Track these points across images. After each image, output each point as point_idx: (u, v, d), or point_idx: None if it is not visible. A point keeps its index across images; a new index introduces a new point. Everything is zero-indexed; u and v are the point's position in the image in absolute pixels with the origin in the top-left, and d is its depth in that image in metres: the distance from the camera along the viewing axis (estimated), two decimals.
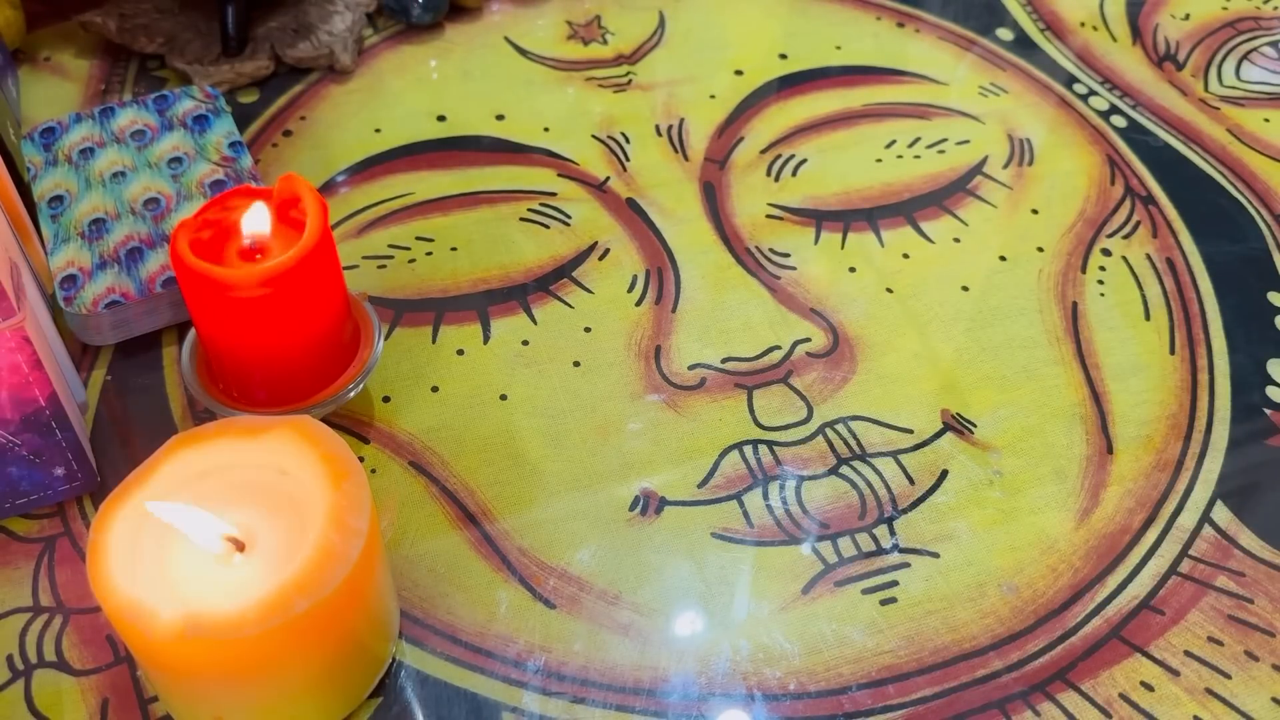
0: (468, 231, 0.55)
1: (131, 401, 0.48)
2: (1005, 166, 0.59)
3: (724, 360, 0.51)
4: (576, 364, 0.50)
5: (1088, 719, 0.40)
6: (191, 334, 0.46)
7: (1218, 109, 0.63)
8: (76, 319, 0.48)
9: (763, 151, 0.60)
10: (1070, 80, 0.64)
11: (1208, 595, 0.43)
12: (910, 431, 0.48)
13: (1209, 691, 0.41)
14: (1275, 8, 0.70)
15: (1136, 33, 0.68)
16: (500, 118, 0.61)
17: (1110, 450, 0.48)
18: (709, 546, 0.45)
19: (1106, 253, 0.56)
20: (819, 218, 0.57)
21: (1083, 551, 0.45)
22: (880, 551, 0.44)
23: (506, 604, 0.43)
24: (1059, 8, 0.69)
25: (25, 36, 0.63)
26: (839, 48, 0.66)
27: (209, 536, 0.35)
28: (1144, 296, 0.54)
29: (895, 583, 0.44)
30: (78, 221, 0.50)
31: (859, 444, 0.48)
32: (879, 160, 0.60)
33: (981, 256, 0.55)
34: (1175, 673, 0.41)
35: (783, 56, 0.65)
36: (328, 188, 0.57)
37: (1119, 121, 0.62)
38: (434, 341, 0.51)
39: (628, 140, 0.60)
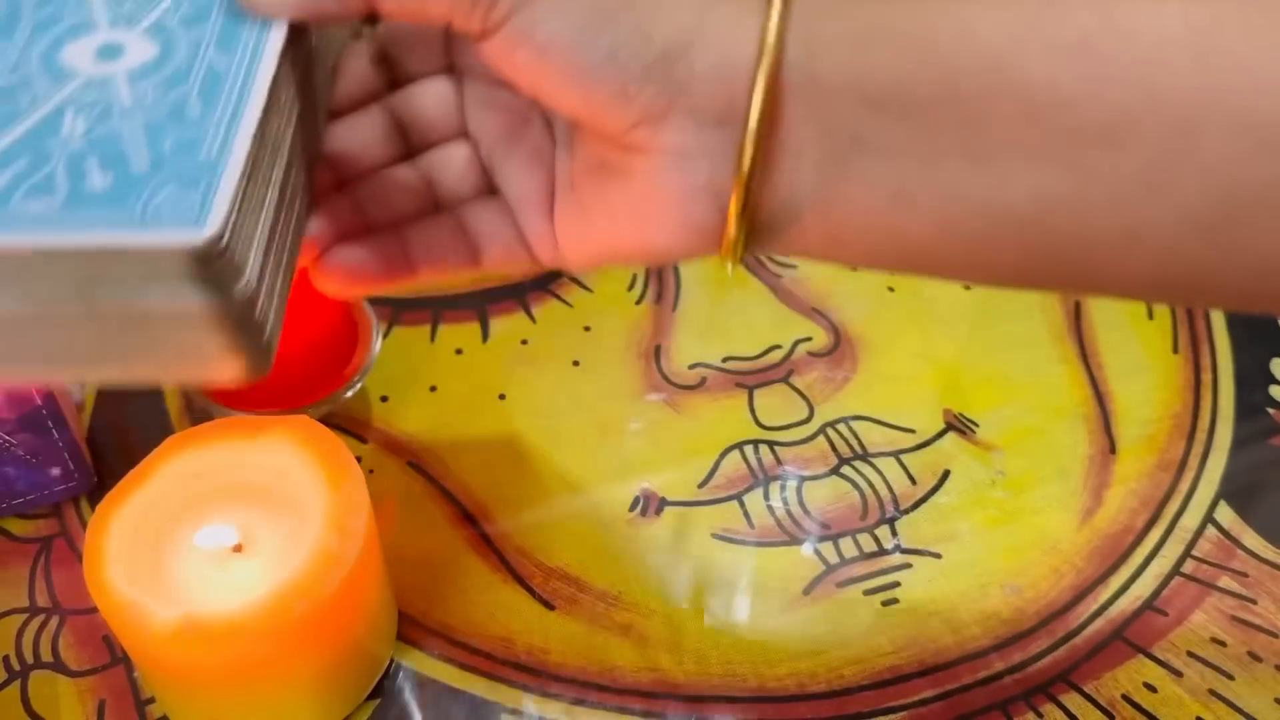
0: None
1: (128, 401, 0.48)
2: None
3: (724, 359, 0.50)
4: (576, 363, 0.50)
5: None
6: None
7: None
8: None
9: None
10: None
11: (1211, 596, 0.43)
12: (912, 431, 0.48)
13: (1212, 693, 0.41)
14: None
15: None
16: None
17: (1113, 450, 0.48)
18: (709, 547, 0.44)
19: None
20: None
21: (1085, 552, 0.44)
22: (882, 552, 0.44)
23: (505, 605, 0.43)
24: None
25: None
26: None
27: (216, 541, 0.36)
28: None
29: (897, 583, 0.43)
30: None
31: (860, 444, 0.47)
32: None
33: None
34: (1178, 674, 0.41)
35: None
36: None
37: None
38: (432, 341, 0.51)
39: None
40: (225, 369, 0.27)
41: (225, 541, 0.36)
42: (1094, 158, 0.26)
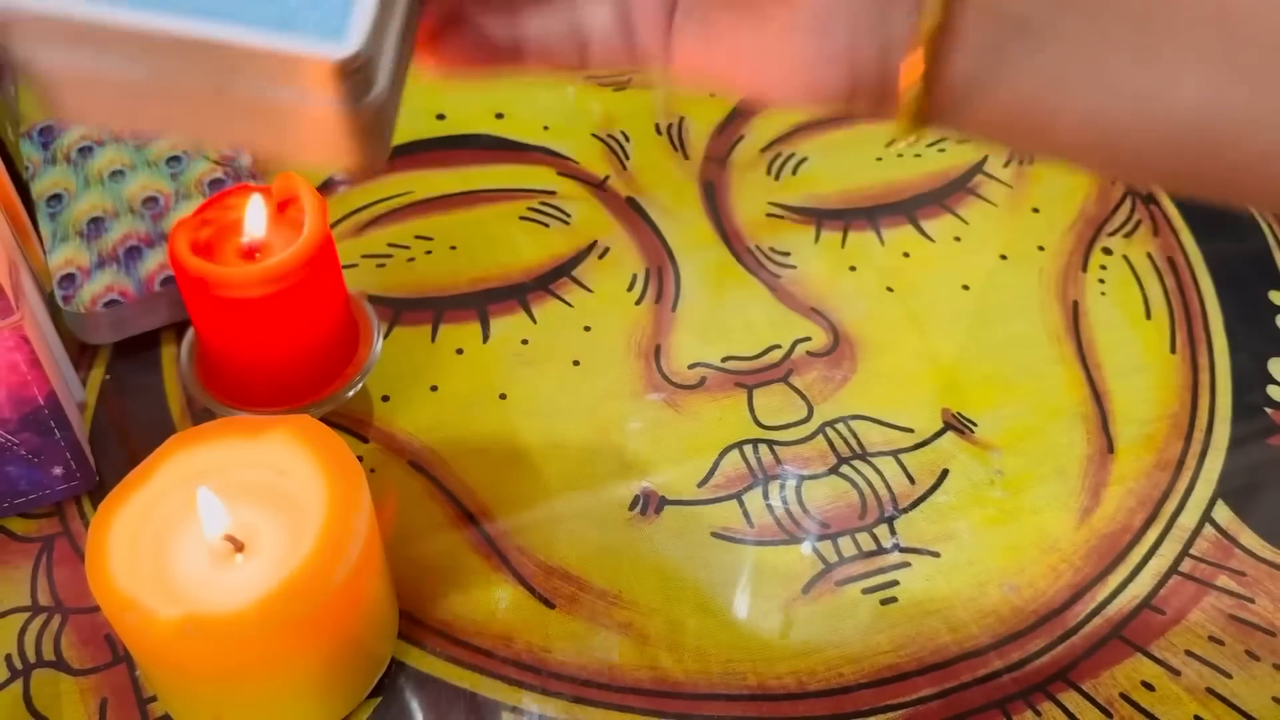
0: (467, 230, 0.55)
1: (130, 401, 0.48)
2: (1006, 165, 0.59)
3: (724, 359, 0.50)
4: (576, 363, 0.50)
5: (1089, 719, 0.40)
6: (190, 333, 0.46)
7: None
8: (75, 318, 0.48)
9: (763, 150, 0.60)
10: None
11: (1209, 595, 0.43)
12: (911, 431, 0.48)
13: (1210, 691, 0.41)
14: None
15: None
16: (500, 116, 0.61)
17: (1111, 449, 0.48)
18: (709, 546, 0.44)
19: (1107, 251, 0.56)
20: (819, 216, 0.56)
21: (1083, 551, 0.45)
22: (881, 551, 0.44)
23: (506, 603, 0.43)
24: None
25: None
26: None
27: (216, 527, 0.36)
28: (1145, 295, 0.54)
29: (896, 582, 0.43)
30: (76, 220, 0.50)
31: (859, 443, 0.48)
32: (879, 159, 0.59)
33: (982, 255, 0.55)
34: (1176, 672, 0.41)
35: None
36: (327, 186, 0.57)
37: None
38: (433, 340, 0.51)
39: (628, 139, 0.60)
40: (346, 162, 0.28)
41: (223, 525, 0.36)
42: (1272, 68, 0.25)
